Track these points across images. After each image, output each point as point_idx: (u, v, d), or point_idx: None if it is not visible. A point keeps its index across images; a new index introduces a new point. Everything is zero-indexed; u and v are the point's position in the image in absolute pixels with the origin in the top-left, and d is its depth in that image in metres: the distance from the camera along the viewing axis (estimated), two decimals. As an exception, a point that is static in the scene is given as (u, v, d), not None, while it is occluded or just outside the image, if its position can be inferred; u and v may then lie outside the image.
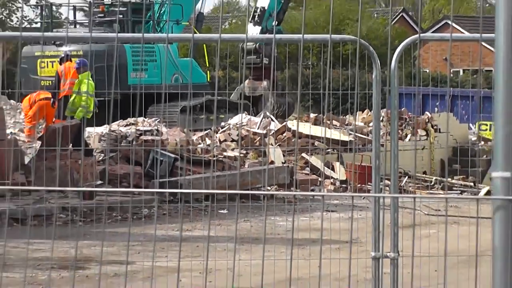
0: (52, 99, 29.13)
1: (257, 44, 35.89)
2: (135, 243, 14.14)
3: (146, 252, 13.00)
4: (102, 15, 35.22)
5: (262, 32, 36.52)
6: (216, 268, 10.14)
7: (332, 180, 28.29)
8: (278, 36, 28.99)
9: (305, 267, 9.00)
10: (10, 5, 59.45)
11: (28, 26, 51.11)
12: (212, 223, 14.42)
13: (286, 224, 14.31)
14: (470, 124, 31.41)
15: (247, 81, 35.36)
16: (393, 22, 59.92)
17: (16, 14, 59.91)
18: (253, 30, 36.65)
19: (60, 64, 29.03)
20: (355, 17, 47.11)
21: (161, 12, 35.75)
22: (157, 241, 13.34)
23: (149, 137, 27.27)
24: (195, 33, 32.15)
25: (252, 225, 15.41)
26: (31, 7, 47.85)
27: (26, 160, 24.71)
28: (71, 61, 28.89)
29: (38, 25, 41.12)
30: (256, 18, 36.98)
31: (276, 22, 36.86)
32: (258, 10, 36.97)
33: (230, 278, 8.10)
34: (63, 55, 28.94)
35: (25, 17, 56.80)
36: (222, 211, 17.63)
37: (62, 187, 20.02)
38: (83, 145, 25.21)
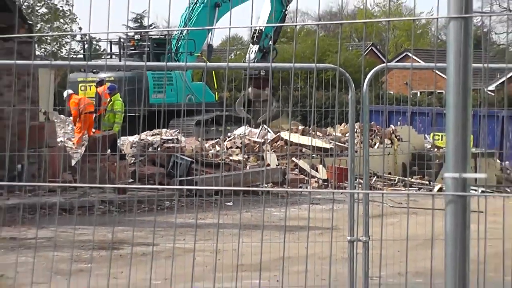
0: (94, 114, 29.30)
1: (256, 59, 35.83)
2: (159, 229, 14.14)
3: (168, 236, 12.97)
4: (133, 48, 35.21)
5: (259, 49, 36.32)
6: (224, 249, 10.12)
7: (316, 179, 28.27)
8: (274, 64, 28.83)
9: (294, 248, 8.97)
10: (61, 40, 59.29)
11: (74, 56, 51.06)
12: (221, 213, 14.40)
13: (280, 214, 14.28)
14: (426, 135, 31.36)
15: (249, 88, 35.22)
16: (364, 54, 59.87)
17: (65, 47, 59.76)
18: (253, 48, 36.47)
19: (97, 87, 29.03)
20: (335, 50, 46.99)
21: (178, 45, 35.67)
22: (176, 227, 13.30)
23: (171, 145, 27.25)
24: (207, 62, 32.34)
25: (252, 215, 15.40)
26: (76, 42, 47.76)
27: (73, 162, 24.70)
28: (105, 84, 29.08)
29: (81, 55, 41.12)
30: (255, 38, 36.76)
31: (272, 42, 36.73)
32: (257, 32, 36.72)
33: (235, 257, 8.07)
34: (98, 80, 28.98)
35: (72, 49, 56.71)
36: (228, 204, 17.63)
37: (101, 184, 20.02)
38: (118, 151, 25.18)
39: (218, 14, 35.15)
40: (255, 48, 36.71)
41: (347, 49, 60.02)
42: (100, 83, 28.88)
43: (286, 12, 37.67)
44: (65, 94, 29.27)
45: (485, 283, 5.34)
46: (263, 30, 37.16)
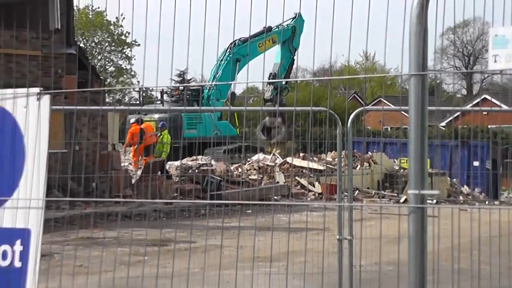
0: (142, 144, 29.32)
1: (272, 95, 35.77)
2: (196, 230, 14.08)
3: (203, 235, 12.92)
4: (177, 95, 35.26)
5: (274, 88, 36.09)
6: (244, 245, 10.06)
7: (313, 193, 28.24)
8: (281, 108, 28.81)
9: (297, 245, 8.93)
10: (124, 90, 59.57)
11: (134, 102, 51.20)
12: (242, 218, 14.38)
13: (286, 219, 14.25)
14: (395, 160, 31.26)
15: (267, 118, 35.14)
16: (348, 100, 59.90)
17: (127, 96, 59.98)
18: (269, 87, 36.25)
19: (137, 124, 28.75)
20: (326, 97, 47.01)
21: (209, 94, 35.63)
22: (209, 229, 13.23)
23: (205, 167, 27.23)
24: (230, 106, 32.39)
25: (265, 220, 15.29)
26: (135, 92, 48.01)
27: (133, 181, 24.69)
28: (141, 123, 28.72)
29: (138, 102, 41.29)
30: (270, 79, 36.61)
31: (285, 82, 36.71)
32: (271, 75, 36.63)
33: (252, 251, 8.03)
34: (137, 119, 28.65)
35: (132, 97, 57.04)
36: (248, 211, 17.59)
37: (153, 199, 20.00)
38: (165, 172, 25.22)
39: (239, 67, 35.14)
40: (270, 87, 36.62)
41: (336, 96, 60.02)
42: (137, 122, 28.70)
43: (294, 57, 37.52)
44: (132, 120, 29.29)
45: (439, 270, 5.30)
46: (276, 73, 37.15)
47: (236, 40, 32.92)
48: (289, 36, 36.98)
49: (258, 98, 39.40)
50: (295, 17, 35.89)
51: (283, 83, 36.26)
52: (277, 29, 35.85)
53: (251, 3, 3.23)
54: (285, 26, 36.66)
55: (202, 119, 34.75)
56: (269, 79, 36.54)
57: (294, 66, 38.32)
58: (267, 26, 32.45)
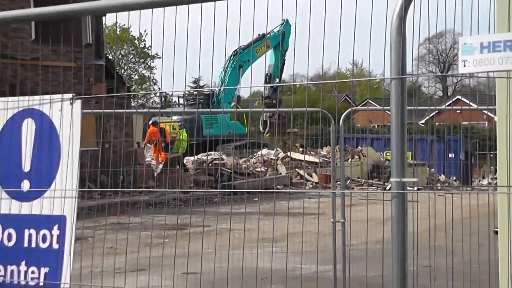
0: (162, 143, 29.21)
1: (269, 93, 35.80)
2: (209, 216, 14.07)
3: (215, 220, 12.93)
4: (192, 99, 35.26)
5: (271, 87, 36.21)
6: (252, 228, 10.05)
7: (311, 182, 28.25)
8: (280, 109, 28.76)
9: (297, 227, 8.92)
10: (147, 96, 59.48)
11: (155, 106, 51.18)
12: (249, 205, 14.38)
13: (287, 205, 14.24)
14: (381, 153, 31.25)
15: (264, 114, 35.26)
16: (340, 101, 59.82)
17: (149, 100, 59.90)
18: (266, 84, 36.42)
19: (154, 126, 28.53)
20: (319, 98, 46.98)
21: (219, 98, 35.57)
22: (220, 214, 13.22)
23: (217, 161, 27.24)
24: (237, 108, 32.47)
25: (269, 206, 15.31)
26: (156, 97, 48.08)
27: (155, 174, 24.72)
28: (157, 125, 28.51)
29: (159, 105, 41.27)
30: (266, 79, 36.50)
31: (278, 79, 36.83)
32: (267, 76, 36.70)
33: (259, 233, 8.03)
34: (152, 121, 28.36)
35: (153, 102, 57.05)
36: (255, 199, 17.57)
37: (173, 189, 20.01)
38: (181, 166, 25.22)
39: (242, 72, 35.29)
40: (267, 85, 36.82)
41: (330, 98, 59.87)
42: (154, 123, 28.55)
43: (285, 58, 37.61)
44: (150, 122, 29.22)
45: (418, 247, 5.29)
46: (272, 73, 37.23)
47: (237, 48, 32.93)
48: (279, 41, 36.93)
49: (261, 101, 39.44)
50: (283, 23, 35.78)
51: (279, 85, 36.35)
52: (269, 35, 35.79)
53: (253, 16, 3.24)
54: (276, 32, 36.64)
55: (218, 120, 34.88)
56: (265, 79, 36.60)
57: (294, 72, 38.55)
58: (260, 33, 32.51)
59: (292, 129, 26.66)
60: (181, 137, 29.45)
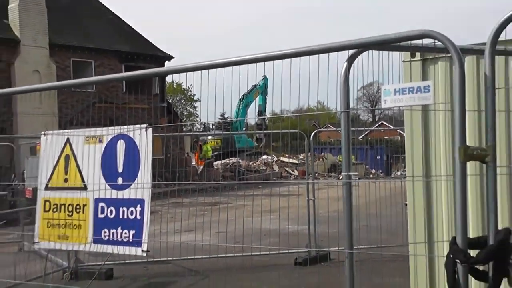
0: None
1: (260, 122, 34.98)
2: (231, 197, 13.84)
3: (235, 200, 12.81)
4: (227, 125, 34.76)
5: (262, 118, 35.22)
6: (257, 204, 10.00)
7: (293, 176, 28.16)
8: (269, 131, 28.35)
9: (284, 203, 8.90)
10: (192, 125, 59.21)
11: (196, 130, 50.76)
12: (256, 190, 14.26)
13: (280, 190, 14.13)
14: (336, 157, 31.13)
15: (257, 135, 34.62)
16: (311, 125, 59.49)
17: (194, 127, 59.62)
18: (259, 118, 35.57)
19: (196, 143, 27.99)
20: (298, 124, 46.67)
21: (236, 125, 35.01)
22: (237, 196, 13.12)
23: (236, 163, 27.21)
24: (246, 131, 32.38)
25: (269, 190, 15.22)
26: (198, 124, 48.10)
27: (198, 172, 24.68)
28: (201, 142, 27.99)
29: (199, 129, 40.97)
30: (258, 113, 36.09)
31: (264, 112, 36.33)
32: (259, 111, 36.28)
33: (259, 208, 7.99)
34: (196, 139, 27.75)
35: (197, 128, 56.87)
36: (259, 186, 17.47)
37: (209, 181, 19.91)
38: (213, 167, 25.12)
39: (248, 109, 35.27)
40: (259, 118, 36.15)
41: (305, 124, 59.54)
42: (196, 141, 28.05)
43: (267, 101, 36.75)
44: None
45: (359, 215, 5.27)
46: (260, 110, 36.54)
47: (243, 94, 33.00)
48: (263, 89, 36.45)
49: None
50: (263, 78, 35.13)
51: (266, 117, 35.79)
52: (258, 85, 35.39)
53: (258, 68, 3.25)
54: (260, 84, 36.06)
55: (242, 138, 34.61)
56: (258, 113, 36.30)
57: (279, 108, 38.08)
58: (253, 84, 32.38)
59: (275, 143, 26.12)
60: (207, 148, 28.94)
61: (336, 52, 2.89)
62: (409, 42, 2.98)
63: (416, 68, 4.16)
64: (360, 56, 2.97)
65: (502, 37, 2.44)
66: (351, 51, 2.92)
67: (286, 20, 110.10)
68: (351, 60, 2.94)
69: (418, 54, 4.14)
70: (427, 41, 2.68)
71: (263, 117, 34.64)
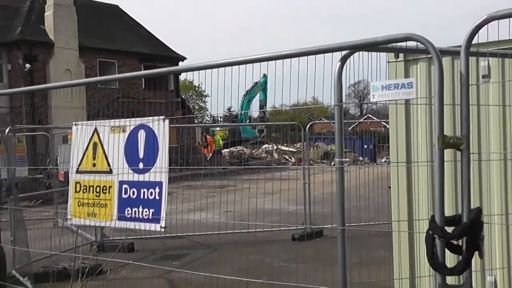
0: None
1: (262, 115, 34.47)
2: (237, 181, 13.83)
3: (241, 183, 12.78)
4: (234, 117, 34.50)
5: (263, 111, 34.85)
6: (260, 187, 10.01)
7: (291, 162, 28.11)
8: (270, 123, 28.13)
9: (284, 186, 8.90)
10: (202, 117, 59.09)
11: (205, 122, 50.58)
12: (259, 174, 14.24)
13: (280, 175, 14.10)
14: (328, 146, 31.07)
15: (259, 126, 34.22)
16: (306, 118, 59.09)
17: (204, 119, 59.42)
18: (261, 112, 35.30)
19: (206, 134, 27.71)
20: (296, 117, 46.47)
21: (241, 117, 34.71)
22: (243, 180, 13.09)
23: (241, 151, 27.19)
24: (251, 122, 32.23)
25: (270, 175, 15.23)
26: (208, 116, 47.93)
27: (208, 158, 24.62)
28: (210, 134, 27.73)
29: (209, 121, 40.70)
30: (260, 107, 35.81)
31: (265, 106, 35.91)
32: (260, 105, 35.83)
33: (264, 188, 7.98)
34: (206, 130, 27.37)
35: (207, 120, 56.56)
36: (261, 172, 17.43)
37: (217, 166, 19.88)
38: (221, 154, 25.05)
39: (251, 103, 35.03)
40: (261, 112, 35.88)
41: (302, 116, 59.17)
42: (207, 133, 27.79)
43: (267, 96, 36.21)
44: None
45: (350, 195, 5.27)
46: (262, 104, 36.16)
47: (247, 90, 32.74)
48: (264, 85, 36.18)
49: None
50: (264, 75, 34.76)
51: (267, 111, 35.53)
52: (259, 82, 35.14)
53: (259, 67, 3.23)
54: (261, 81, 35.74)
55: (247, 129, 34.44)
56: (260, 107, 36.11)
57: (279, 103, 37.92)
58: (255, 82, 32.22)
59: (275, 134, 26.09)
60: (218, 138, 28.73)
61: (331, 53, 2.88)
62: (394, 44, 2.95)
63: (400, 68, 4.14)
64: (351, 57, 2.95)
65: (475, 41, 2.45)
66: (344, 52, 2.90)
67: (285, 21, 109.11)
68: (344, 60, 2.92)
69: (401, 55, 4.13)
70: (411, 44, 2.67)
71: (264, 110, 34.51)
